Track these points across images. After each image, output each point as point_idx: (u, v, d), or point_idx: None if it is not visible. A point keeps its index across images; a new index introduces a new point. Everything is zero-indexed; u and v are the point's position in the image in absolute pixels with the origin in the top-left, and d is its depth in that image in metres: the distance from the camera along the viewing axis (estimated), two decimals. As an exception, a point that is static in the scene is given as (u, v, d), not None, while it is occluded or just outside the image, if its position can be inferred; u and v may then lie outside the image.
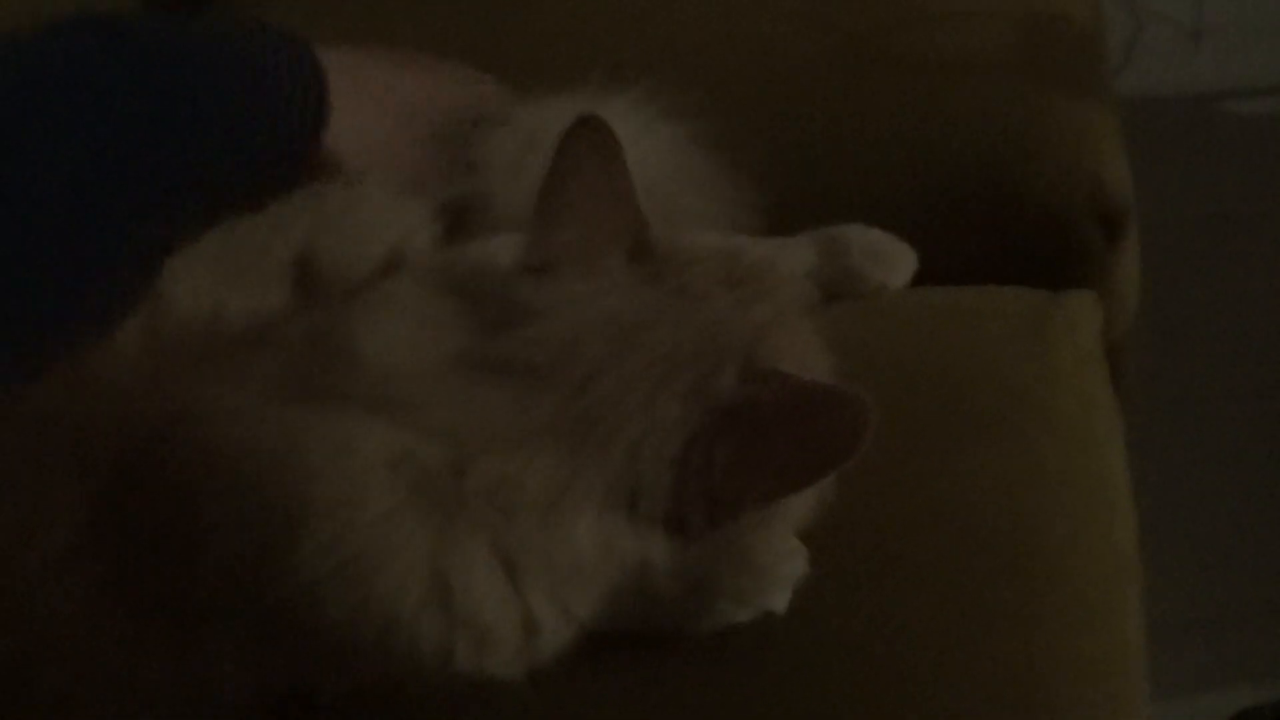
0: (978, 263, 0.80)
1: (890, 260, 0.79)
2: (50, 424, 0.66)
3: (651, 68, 0.81)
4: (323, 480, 0.58)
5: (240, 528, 0.60)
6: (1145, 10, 1.44)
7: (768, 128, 0.84)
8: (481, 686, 0.62)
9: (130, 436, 0.65)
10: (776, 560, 0.64)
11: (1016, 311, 0.76)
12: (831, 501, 0.64)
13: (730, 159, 0.79)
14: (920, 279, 0.79)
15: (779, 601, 0.65)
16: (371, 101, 0.76)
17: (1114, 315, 0.81)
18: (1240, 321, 1.42)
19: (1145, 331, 0.92)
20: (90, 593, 0.65)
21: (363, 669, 0.63)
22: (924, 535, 0.68)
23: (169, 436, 0.63)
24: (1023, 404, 0.72)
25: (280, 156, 0.72)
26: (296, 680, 0.66)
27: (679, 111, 0.79)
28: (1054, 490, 0.70)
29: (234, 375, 0.65)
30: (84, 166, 0.62)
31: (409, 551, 0.58)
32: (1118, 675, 0.67)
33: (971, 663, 0.66)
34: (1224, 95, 1.53)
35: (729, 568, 0.63)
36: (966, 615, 0.67)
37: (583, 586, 0.61)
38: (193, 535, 0.62)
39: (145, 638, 0.66)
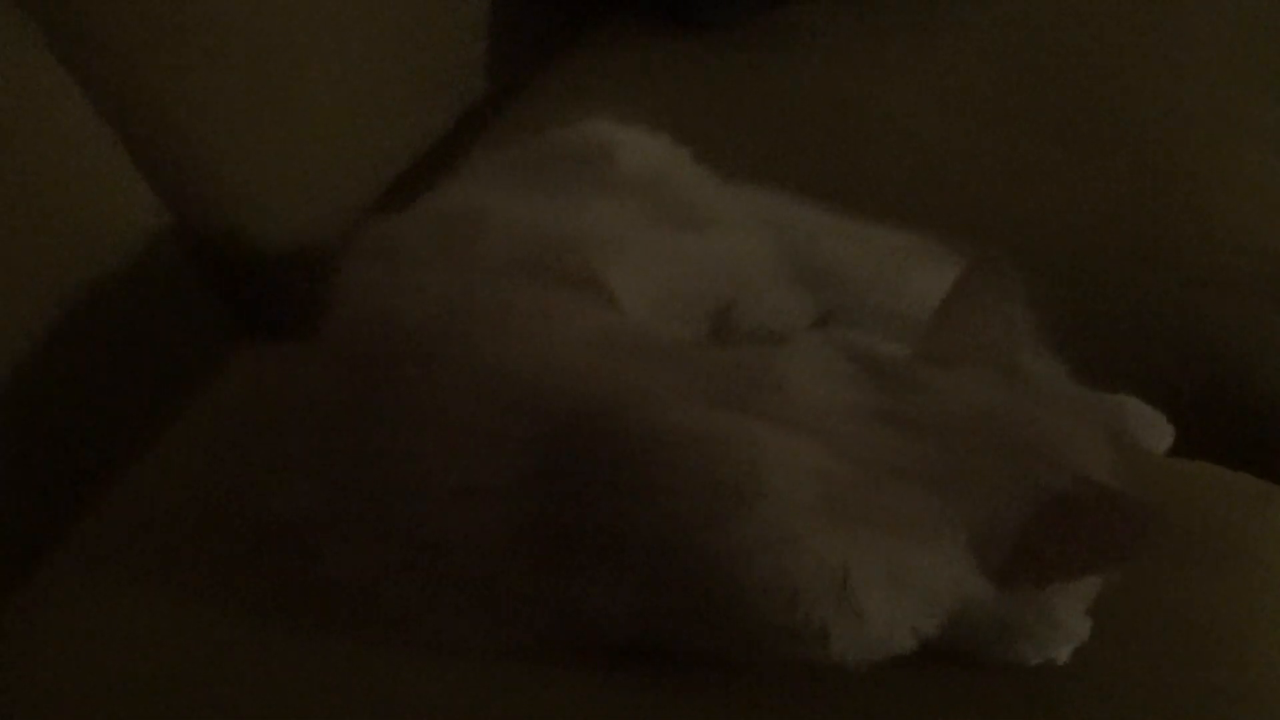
0: (1207, 445, 0.99)
1: (1156, 431, 0.97)
2: (515, 376, 0.80)
3: (963, 224, 1.01)
4: (773, 473, 0.74)
5: (688, 491, 0.74)
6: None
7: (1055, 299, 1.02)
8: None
9: (587, 401, 0.79)
10: (1071, 620, 0.80)
11: (1251, 490, 0.94)
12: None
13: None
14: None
15: (1064, 654, 0.80)
16: None
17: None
18: None
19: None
20: (510, 523, 0.79)
21: (735, 633, 0.77)
22: (1152, 635, 0.84)
23: (623, 409, 0.78)
24: (1244, 557, 0.89)
25: None
26: (662, 632, 0.80)
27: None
28: (1259, 619, 0.86)
29: (675, 377, 0.79)
30: None
31: (826, 544, 0.73)
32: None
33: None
34: None
35: (1035, 617, 0.79)
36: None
37: (932, 607, 0.76)
38: (632, 488, 0.76)
39: (545, 566, 0.80)
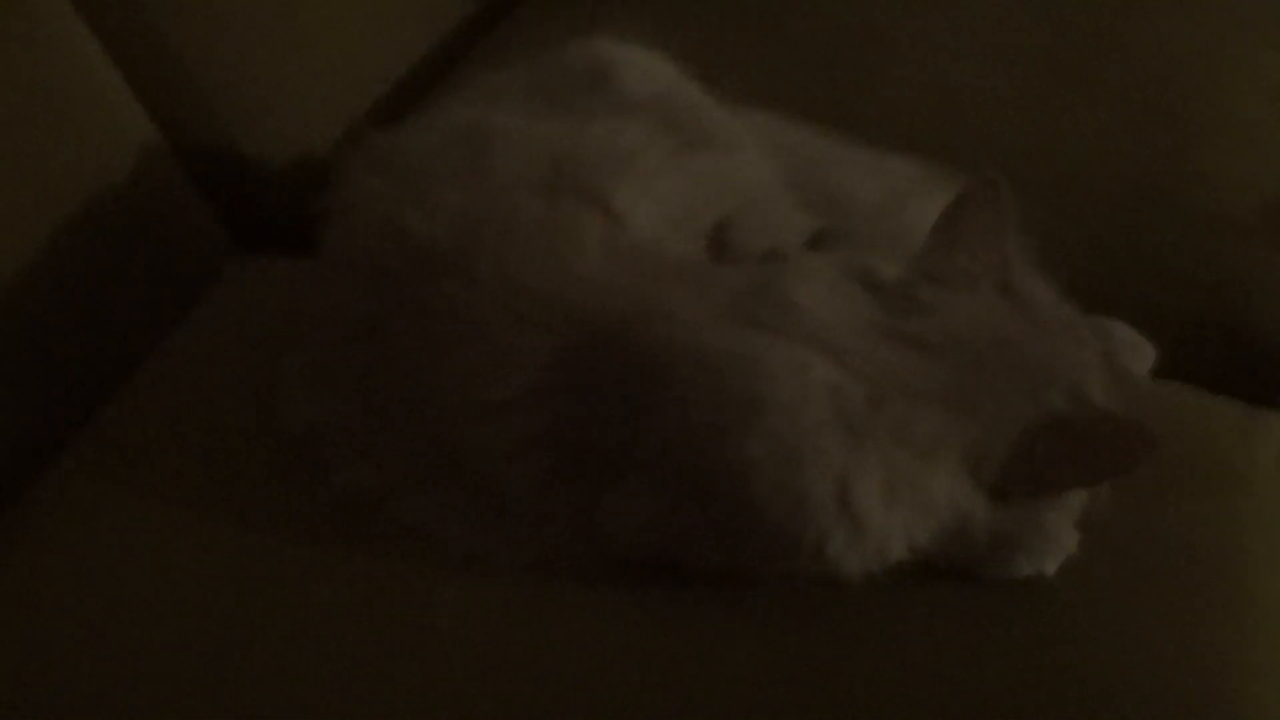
0: (1193, 372, 1.01)
1: (1139, 353, 0.99)
2: (527, 290, 0.81)
3: (968, 155, 1.02)
4: (782, 386, 0.75)
5: (701, 405, 0.76)
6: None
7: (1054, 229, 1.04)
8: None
9: (598, 316, 0.80)
10: (1061, 533, 0.82)
11: (1233, 414, 0.96)
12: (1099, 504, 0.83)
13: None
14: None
15: (1052, 566, 0.83)
16: None
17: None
18: None
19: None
20: (524, 435, 0.81)
21: (742, 544, 0.79)
22: (1137, 553, 0.87)
23: (635, 324, 0.79)
24: (1231, 480, 0.91)
25: None
26: (673, 544, 0.81)
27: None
28: (1246, 542, 0.89)
29: (685, 294, 0.80)
30: None
31: (829, 456, 0.75)
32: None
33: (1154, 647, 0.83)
34: None
35: (1027, 530, 0.81)
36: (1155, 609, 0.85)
37: (927, 519, 0.78)
38: (645, 402, 0.78)
39: (559, 479, 0.82)
